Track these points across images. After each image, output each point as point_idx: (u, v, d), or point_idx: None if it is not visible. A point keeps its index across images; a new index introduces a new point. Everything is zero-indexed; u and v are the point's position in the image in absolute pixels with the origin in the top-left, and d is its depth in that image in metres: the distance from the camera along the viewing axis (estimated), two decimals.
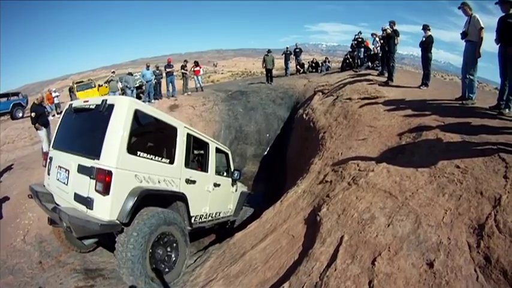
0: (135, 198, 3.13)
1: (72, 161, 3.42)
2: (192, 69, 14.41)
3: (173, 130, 4.04)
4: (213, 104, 12.87)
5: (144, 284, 3.08)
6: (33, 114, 7.01)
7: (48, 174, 4.05)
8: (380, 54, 11.51)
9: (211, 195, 4.93)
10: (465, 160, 3.37)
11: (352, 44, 15.11)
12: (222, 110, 12.74)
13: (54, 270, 4.70)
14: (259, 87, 14.91)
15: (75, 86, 15.89)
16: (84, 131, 3.87)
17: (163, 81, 14.01)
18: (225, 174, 5.76)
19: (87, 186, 3.12)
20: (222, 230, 6.45)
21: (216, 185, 5.09)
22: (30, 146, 11.00)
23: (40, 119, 7.11)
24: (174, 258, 3.63)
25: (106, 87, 13.20)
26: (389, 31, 9.24)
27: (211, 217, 5.08)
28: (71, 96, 15.66)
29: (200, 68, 14.80)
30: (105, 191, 2.98)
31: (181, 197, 3.99)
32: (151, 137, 3.92)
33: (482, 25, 5.35)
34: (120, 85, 13.99)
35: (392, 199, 3.15)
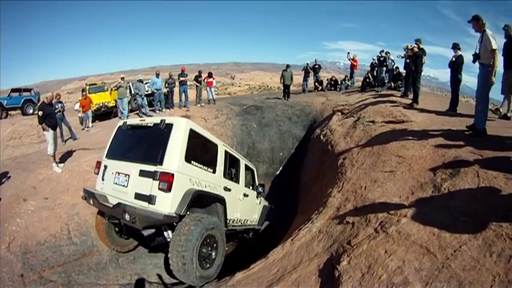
0: (191, 196, 3.89)
1: (133, 167, 4.14)
2: (205, 80, 14.11)
3: (215, 146, 4.97)
4: (226, 117, 12.49)
5: (195, 278, 3.67)
6: (40, 113, 6.69)
7: (103, 179, 4.70)
8: (404, 74, 10.95)
9: (242, 203, 5.76)
10: None
11: (372, 63, 14.57)
12: (235, 124, 12.32)
13: (34, 287, 4.41)
14: (276, 102, 14.50)
15: (88, 88, 15.78)
16: (143, 143, 4.62)
17: (176, 90, 13.73)
18: (250, 187, 6.51)
19: (149, 186, 3.83)
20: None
21: (245, 195, 5.93)
22: (36, 144, 10.64)
23: (47, 119, 6.76)
24: (213, 257, 4.16)
25: (116, 92, 13.02)
26: (416, 50, 8.71)
27: (241, 222, 5.83)
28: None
29: (213, 79, 14.45)
30: (168, 189, 3.70)
31: (222, 200, 4.80)
32: (200, 151, 4.55)
33: (494, 46, 4.54)
34: (130, 91, 13.72)
35: (430, 257, 2.53)
